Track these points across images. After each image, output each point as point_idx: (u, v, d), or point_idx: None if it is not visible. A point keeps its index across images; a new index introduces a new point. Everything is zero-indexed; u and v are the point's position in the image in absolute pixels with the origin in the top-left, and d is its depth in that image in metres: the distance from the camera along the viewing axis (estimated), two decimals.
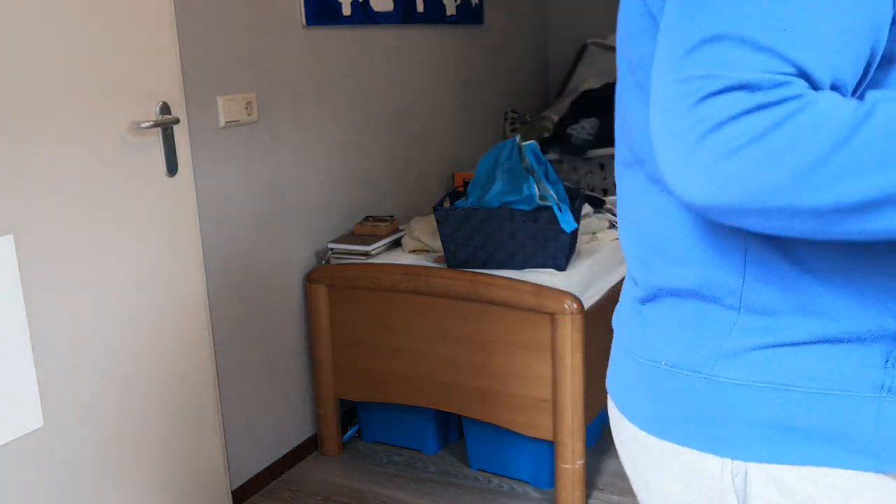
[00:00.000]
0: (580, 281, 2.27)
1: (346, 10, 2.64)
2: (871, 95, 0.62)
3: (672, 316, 0.83)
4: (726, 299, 0.78)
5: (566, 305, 2.14)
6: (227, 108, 2.26)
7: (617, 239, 2.58)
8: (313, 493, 2.46)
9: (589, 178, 3.32)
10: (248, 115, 2.33)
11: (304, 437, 2.67)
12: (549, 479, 2.41)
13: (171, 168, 2.08)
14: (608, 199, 2.84)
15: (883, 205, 0.60)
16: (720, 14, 0.64)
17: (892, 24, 0.66)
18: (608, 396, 0.95)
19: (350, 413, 2.82)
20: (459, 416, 2.68)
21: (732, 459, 0.78)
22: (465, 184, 2.47)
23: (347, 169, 2.75)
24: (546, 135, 3.42)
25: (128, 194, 1.98)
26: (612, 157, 3.28)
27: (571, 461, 2.23)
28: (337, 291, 2.51)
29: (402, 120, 3.02)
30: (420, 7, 3.00)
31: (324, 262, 2.62)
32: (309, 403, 2.68)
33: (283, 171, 2.48)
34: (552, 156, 3.32)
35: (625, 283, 0.95)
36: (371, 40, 2.81)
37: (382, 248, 2.59)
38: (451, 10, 3.19)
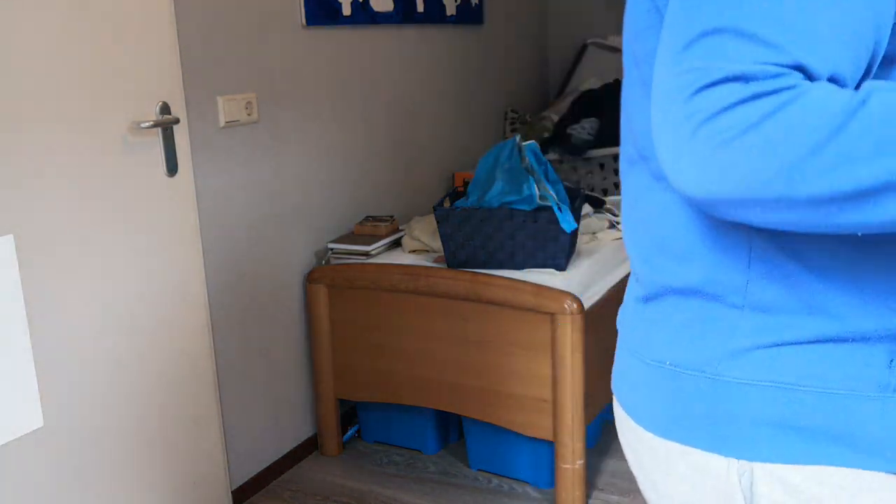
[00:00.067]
0: (580, 281, 2.27)
1: (346, 10, 2.64)
2: (868, 85, 0.62)
3: (675, 314, 0.82)
4: (730, 298, 0.78)
5: (566, 305, 2.14)
6: (227, 108, 2.25)
7: (617, 239, 2.58)
8: (313, 493, 2.46)
9: (589, 178, 3.33)
10: (248, 115, 2.33)
11: (304, 437, 2.67)
12: (549, 479, 2.41)
13: (171, 168, 2.08)
14: (608, 199, 2.84)
15: (880, 194, 0.60)
16: (720, 9, 0.64)
17: (895, 24, 0.66)
18: (613, 396, 0.94)
19: (350, 413, 2.82)
20: (459, 416, 2.68)
21: (738, 459, 0.78)
22: (465, 184, 2.47)
23: (347, 169, 2.75)
24: (546, 135, 3.42)
25: (128, 194, 1.98)
26: (612, 157, 3.28)
27: (571, 461, 2.23)
28: (337, 291, 2.51)
29: (402, 120, 3.02)
30: (420, 7, 3.00)
31: (324, 262, 2.62)
32: (309, 403, 2.68)
33: (283, 171, 2.48)
34: (552, 156, 3.32)
35: (629, 281, 0.94)
36: (371, 40, 2.81)
37: (382, 248, 2.59)
38: (451, 10, 3.19)
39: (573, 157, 3.29)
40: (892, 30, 0.66)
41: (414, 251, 2.54)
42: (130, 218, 1.99)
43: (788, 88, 0.61)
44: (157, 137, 2.04)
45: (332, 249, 2.60)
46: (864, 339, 0.74)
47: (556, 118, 3.48)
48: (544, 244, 2.25)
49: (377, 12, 2.78)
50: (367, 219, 2.68)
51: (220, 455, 2.31)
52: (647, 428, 0.85)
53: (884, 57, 0.67)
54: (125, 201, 1.97)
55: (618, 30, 3.81)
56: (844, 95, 0.60)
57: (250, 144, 2.36)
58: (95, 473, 1.95)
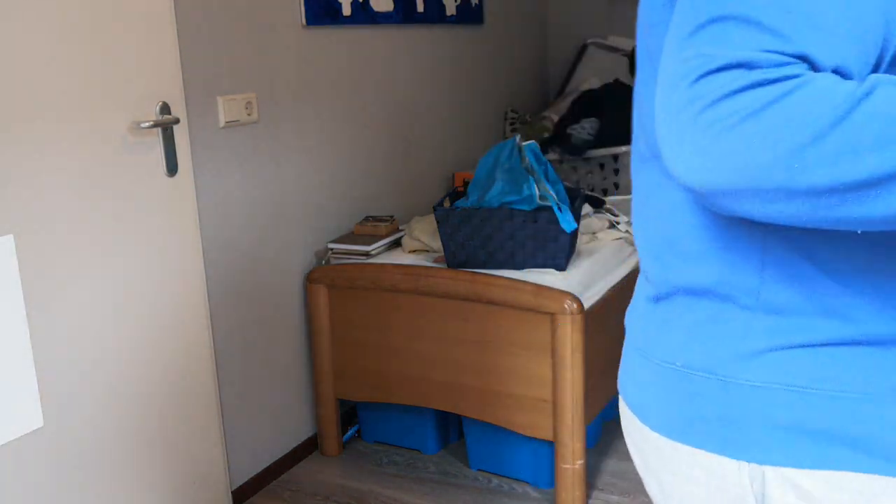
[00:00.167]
0: (580, 281, 2.27)
1: (346, 10, 2.64)
2: (872, 77, 0.61)
3: (686, 315, 0.82)
4: (742, 299, 0.77)
5: (566, 305, 2.14)
6: (227, 108, 2.25)
7: (617, 239, 2.58)
8: (313, 493, 2.46)
9: (589, 178, 3.33)
10: (248, 115, 2.33)
11: (304, 437, 2.66)
12: (549, 479, 2.41)
13: (171, 168, 2.08)
14: (608, 199, 2.84)
15: (881, 186, 0.59)
16: None
17: None
18: (619, 396, 0.93)
19: (350, 413, 2.82)
20: (459, 416, 2.68)
21: (749, 463, 0.77)
22: (465, 184, 2.47)
23: (347, 169, 2.75)
24: (546, 135, 3.42)
25: (128, 194, 1.97)
26: (612, 157, 3.29)
27: (571, 461, 2.23)
28: (337, 291, 2.51)
29: (403, 120, 3.01)
30: (420, 7, 3.00)
31: (324, 262, 2.61)
32: (309, 403, 2.67)
33: (283, 171, 2.48)
34: (552, 156, 3.32)
35: (638, 280, 0.93)
36: (371, 40, 2.81)
37: (382, 248, 2.59)
38: (451, 10, 3.19)
39: (573, 157, 3.29)
40: None
41: (414, 251, 2.54)
42: (130, 218, 1.98)
43: (792, 77, 0.60)
44: (157, 137, 2.04)
45: (332, 249, 2.60)
46: (878, 342, 0.73)
47: (556, 118, 3.48)
48: (544, 244, 2.25)
49: (377, 12, 2.78)
50: (367, 219, 2.68)
51: (220, 455, 2.31)
52: (655, 429, 0.84)
53: (894, 56, 0.67)
54: (125, 201, 1.97)
55: (618, 30, 3.81)
56: (848, 86, 0.60)
57: (250, 144, 2.36)
58: (95, 473, 1.94)
